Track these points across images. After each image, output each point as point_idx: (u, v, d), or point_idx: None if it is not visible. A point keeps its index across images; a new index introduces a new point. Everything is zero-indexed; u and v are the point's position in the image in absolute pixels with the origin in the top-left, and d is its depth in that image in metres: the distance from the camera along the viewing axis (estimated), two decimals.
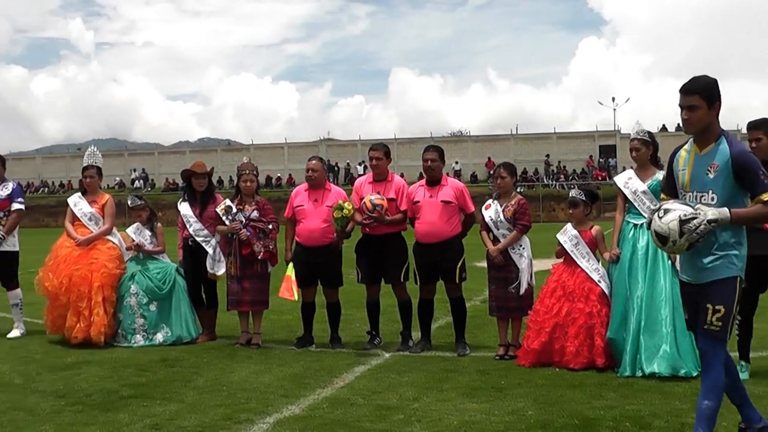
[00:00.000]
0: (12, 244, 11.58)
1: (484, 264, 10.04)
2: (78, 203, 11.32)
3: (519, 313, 9.59)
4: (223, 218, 10.43)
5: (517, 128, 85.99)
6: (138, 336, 10.62)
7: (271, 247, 10.39)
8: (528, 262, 9.54)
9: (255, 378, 8.54)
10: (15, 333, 11.44)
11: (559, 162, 73.42)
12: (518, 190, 10.06)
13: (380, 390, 7.93)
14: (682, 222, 5.35)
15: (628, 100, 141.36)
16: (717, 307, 5.49)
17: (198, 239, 10.81)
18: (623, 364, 8.45)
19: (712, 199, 5.52)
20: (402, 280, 10.09)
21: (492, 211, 9.66)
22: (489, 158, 72.80)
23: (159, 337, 10.63)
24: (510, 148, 74.97)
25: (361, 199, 10.00)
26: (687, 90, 5.57)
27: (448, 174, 10.23)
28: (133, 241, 11.05)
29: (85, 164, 11.48)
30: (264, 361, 9.43)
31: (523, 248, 9.55)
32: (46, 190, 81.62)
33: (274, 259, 10.52)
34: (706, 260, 5.56)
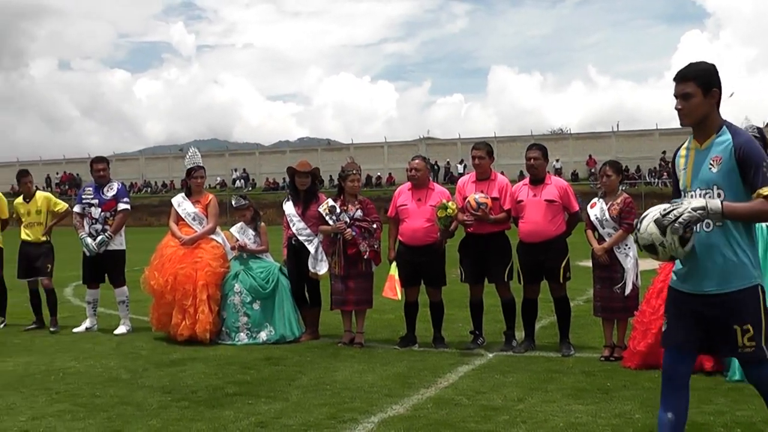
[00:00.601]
0: (119, 242, 11.86)
1: (589, 263, 9.89)
2: (182, 203, 11.49)
3: (624, 314, 9.41)
4: (327, 218, 10.44)
5: (618, 125, 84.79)
6: (242, 334, 10.72)
7: (375, 246, 10.39)
8: (634, 262, 9.35)
9: (359, 377, 8.53)
10: (122, 330, 11.64)
11: (661, 159, 72.08)
12: (621, 188, 9.86)
13: (484, 390, 7.85)
14: (660, 219, 4.80)
15: (732, 94, 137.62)
16: (745, 327, 4.85)
17: (300, 238, 10.85)
18: (732, 368, 8.19)
19: (718, 195, 4.90)
20: (506, 279, 10.00)
21: (597, 209, 9.50)
22: (590, 156, 71.82)
23: (263, 335, 10.70)
24: (611, 146, 73.79)
25: (465, 198, 9.92)
26: (680, 77, 5.02)
27: (549, 172, 10.06)
28: (237, 240, 11.15)
29: (189, 165, 11.64)
30: (367, 360, 9.42)
31: (629, 247, 9.36)
32: (149, 190, 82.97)
33: (378, 259, 10.51)
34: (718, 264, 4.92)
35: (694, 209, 4.72)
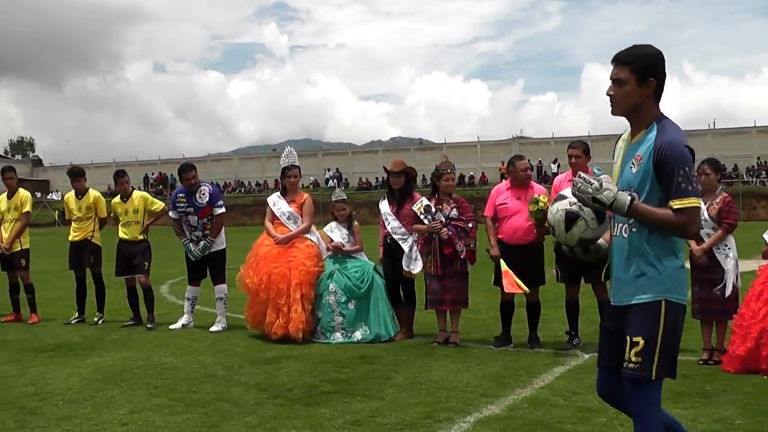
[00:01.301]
0: (220, 242, 12.06)
1: (687, 264, 9.66)
2: (277, 203, 11.57)
3: (724, 317, 9.17)
4: (422, 217, 10.39)
5: (714, 122, 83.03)
6: (337, 334, 10.73)
7: (471, 245, 10.30)
8: (734, 263, 9.11)
9: (454, 377, 8.46)
10: (217, 327, 11.76)
11: (758, 158, 70.39)
12: (719, 187, 9.61)
13: (581, 391, 7.72)
14: (576, 192, 4.45)
15: None
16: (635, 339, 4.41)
17: (395, 237, 10.82)
18: None
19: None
20: (603, 279, 9.81)
21: None
22: None
23: (357, 335, 10.70)
24: (707, 144, 72.19)
25: None
26: (615, 59, 4.53)
27: None
28: (332, 240, 11.17)
29: (284, 164, 11.71)
30: (462, 359, 9.35)
31: (729, 248, 9.13)
32: (243, 189, 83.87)
33: (474, 258, 10.42)
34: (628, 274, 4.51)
35: (595, 200, 4.37)
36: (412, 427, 6.64)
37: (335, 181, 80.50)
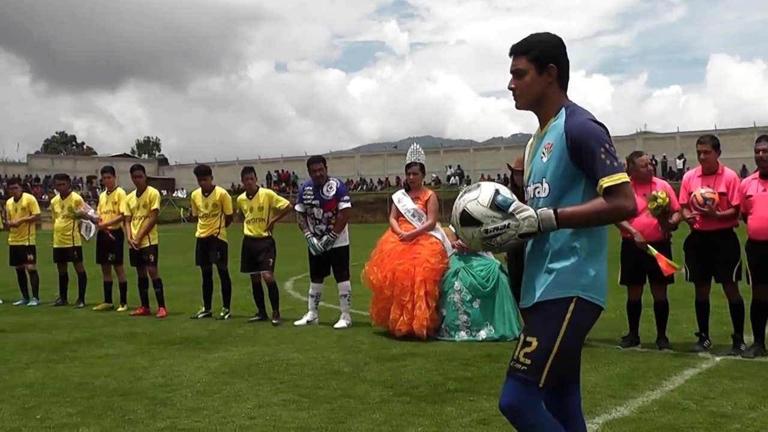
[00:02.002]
0: (343, 239, 12.11)
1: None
2: (401, 200, 11.58)
3: None
4: None
5: None
6: (462, 332, 10.68)
7: None
8: None
9: (582, 376, 8.30)
10: (342, 323, 11.83)
11: None
12: None
13: (713, 396, 7.50)
14: (481, 236, 3.98)
15: None
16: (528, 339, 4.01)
17: None
18: None
19: (545, 190, 4.11)
20: (734, 279, 9.55)
21: None
22: None
23: (482, 334, 10.62)
24: None
25: (690, 193, 9.56)
26: (512, 50, 4.25)
27: None
28: (457, 237, 11.12)
29: (408, 161, 11.72)
30: (589, 359, 9.17)
31: None
32: (365, 187, 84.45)
33: None
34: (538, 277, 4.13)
35: (522, 236, 3.91)
36: None
37: (457, 178, 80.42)
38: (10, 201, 16.25)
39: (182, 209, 75.80)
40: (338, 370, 8.88)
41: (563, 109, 4.14)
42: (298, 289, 16.23)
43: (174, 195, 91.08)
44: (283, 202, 13.07)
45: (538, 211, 3.93)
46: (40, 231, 17.24)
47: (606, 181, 3.88)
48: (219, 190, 13.47)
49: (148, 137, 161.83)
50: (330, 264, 12.22)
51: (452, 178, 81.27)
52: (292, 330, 11.71)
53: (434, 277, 10.87)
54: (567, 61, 4.22)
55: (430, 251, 11.05)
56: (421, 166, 11.72)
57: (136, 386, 8.28)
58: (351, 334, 11.26)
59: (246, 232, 12.87)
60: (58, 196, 15.83)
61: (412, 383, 8.13)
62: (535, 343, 3.95)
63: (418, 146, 12.00)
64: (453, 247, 11.19)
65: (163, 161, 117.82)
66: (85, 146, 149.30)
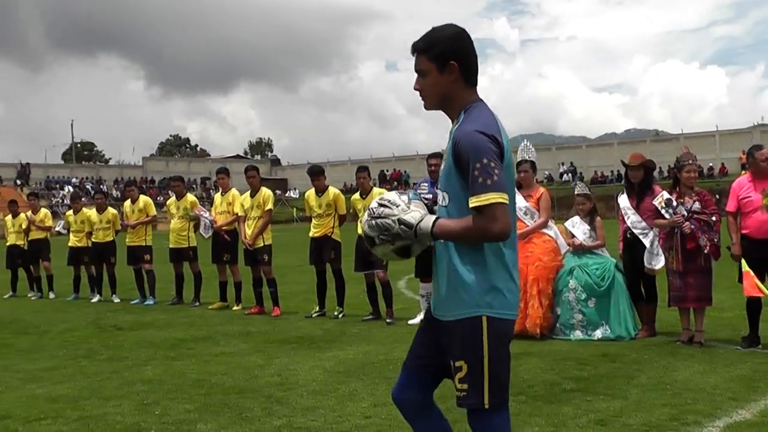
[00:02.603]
0: None
1: None
2: None
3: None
4: (663, 211, 10.05)
5: None
6: (577, 332, 10.52)
7: (716, 240, 9.85)
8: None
9: (700, 378, 8.12)
10: (417, 321, 11.75)
11: None
12: None
13: None
14: (369, 217, 4.01)
15: None
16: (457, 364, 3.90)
17: (635, 231, 10.52)
18: None
19: (445, 198, 3.99)
20: None
21: None
22: None
23: (598, 333, 10.45)
24: None
25: None
26: (413, 49, 4.02)
27: None
28: (572, 235, 10.98)
29: (518, 159, 11.62)
30: (708, 360, 8.97)
31: None
32: None
33: (718, 253, 9.95)
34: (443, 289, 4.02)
35: (400, 222, 3.90)
36: (659, 429, 6.41)
37: (569, 175, 79.58)
38: (127, 203, 16.64)
39: (295, 209, 76.60)
40: None
41: (462, 112, 3.94)
42: (411, 288, 16.23)
43: (287, 195, 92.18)
44: None
45: (427, 217, 3.90)
46: (156, 232, 17.62)
47: (473, 201, 3.70)
48: (332, 190, 13.54)
49: (261, 138, 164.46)
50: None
51: (565, 175, 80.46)
52: (406, 329, 11.69)
53: (547, 276, 10.75)
54: (471, 55, 3.98)
55: (543, 249, 10.93)
56: (532, 163, 11.59)
57: (252, 384, 8.38)
58: None
59: (360, 231, 12.90)
60: (173, 198, 16.16)
61: (528, 382, 8.04)
62: (464, 367, 3.86)
63: (528, 143, 11.91)
64: (568, 244, 11.03)
65: (276, 162, 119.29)
66: (198, 148, 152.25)
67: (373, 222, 3.97)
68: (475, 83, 4.01)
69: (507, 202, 3.71)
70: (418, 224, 3.88)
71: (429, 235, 3.88)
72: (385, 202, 3.99)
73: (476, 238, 3.79)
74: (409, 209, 3.94)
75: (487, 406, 3.85)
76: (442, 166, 4.02)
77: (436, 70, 3.93)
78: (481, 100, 3.99)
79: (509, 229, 3.76)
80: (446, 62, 3.90)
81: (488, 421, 3.91)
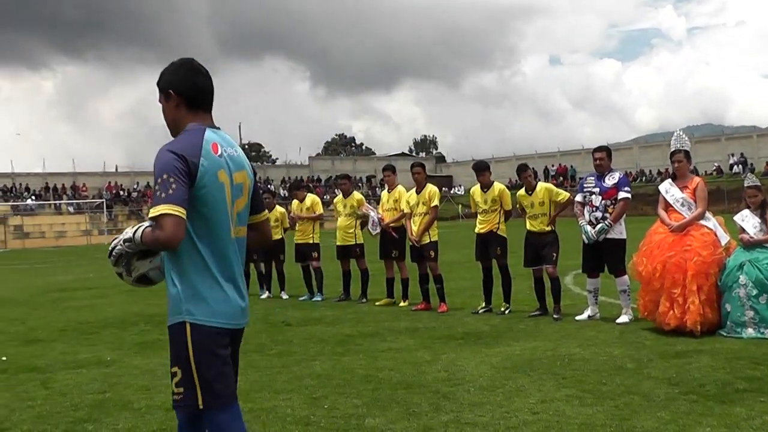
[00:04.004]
0: (619, 231, 11.84)
1: None
2: (669, 190, 11.28)
3: None
4: None
5: None
6: (749, 329, 10.13)
7: None
8: None
9: None
10: (624, 319, 11.59)
11: None
12: None
13: None
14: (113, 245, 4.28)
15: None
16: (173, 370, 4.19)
17: None
18: None
19: None
20: None
21: None
22: None
23: None
24: None
25: None
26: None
27: None
28: (743, 230, 10.62)
29: (672, 149, 11.44)
30: None
31: None
32: (644, 178, 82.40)
33: None
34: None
35: (124, 241, 4.19)
36: None
37: (740, 166, 77.06)
38: (295, 202, 16.94)
39: (460, 206, 76.68)
40: (621, 366, 8.70)
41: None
42: (579, 284, 16.03)
43: (452, 192, 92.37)
44: (564, 195, 12.94)
45: (140, 227, 4.17)
46: (324, 230, 17.87)
47: (150, 212, 4.00)
48: (498, 186, 13.50)
49: (425, 136, 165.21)
50: (603, 257, 11.95)
51: (735, 166, 77.94)
52: (574, 325, 11.58)
53: (706, 271, 10.46)
54: (188, 83, 4.32)
55: (702, 243, 10.63)
56: (686, 153, 11.37)
57: (420, 380, 8.44)
58: (634, 329, 10.99)
59: (528, 227, 12.86)
60: (340, 196, 16.38)
61: (699, 381, 7.85)
62: (178, 372, 4.12)
63: (681, 133, 11.66)
64: (741, 240, 10.65)
65: (441, 159, 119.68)
66: (363, 147, 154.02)
67: (112, 258, 4.26)
68: (201, 108, 4.37)
69: (178, 214, 3.96)
70: (134, 234, 4.14)
71: (141, 242, 4.13)
72: (115, 240, 4.30)
73: (153, 245, 4.07)
74: (129, 231, 4.22)
75: (201, 407, 4.13)
76: None
77: (163, 100, 4.37)
78: (202, 126, 4.28)
79: (176, 239, 3.97)
80: (167, 91, 4.34)
81: (216, 418, 4.16)
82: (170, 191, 3.96)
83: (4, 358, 10.78)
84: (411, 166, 14.39)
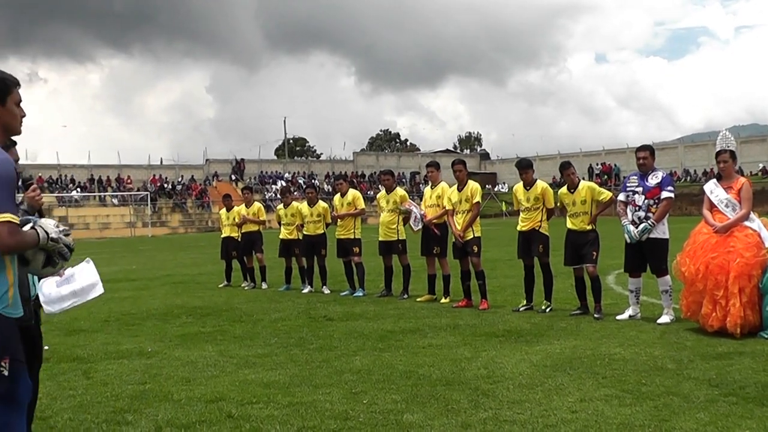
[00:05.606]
0: (662, 231, 11.77)
1: None
2: (713, 190, 11.22)
3: None
4: None
5: None
6: None
7: None
8: None
9: None
10: (665, 319, 11.51)
11: None
12: None
13: None
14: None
15: None
16: None
17: None
18: None
19: None
20: None
21: None
22: None
23: None
24: None
25: None
26: None
27: None
28: None
29: (718, 149, 11.38)
30: None
31: None
32: (689, 178, 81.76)
33: None
34: None
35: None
36: None
37: None
38: (337, 196, 17.02)
39: (504, 203, 76.52)
40: (662, 366, 8.66)
41: None
42: (620, 283, 15.95)
43: (495, 189, 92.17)
44: (606, 195, 12.88)
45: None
46: (366, 225, 17.91)
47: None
48: (540, 184, 13.48)
49: (470, 133, 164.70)
50: (645, 257, 11.89)
51: None
52: (615, 324, 11.53)
53: (749, 272, 10.35)
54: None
55: (745, 244, 10.54)
56: (732, 153, 11.26)
57: (460, 376, 8.45)
58: (675, 330, 10.94)
59: (569, 225, 12.82)
60: (383, 191, 16.39)
61: (740, 383, 7.79)
62: None
63: (727, 133, 11.54)
64: None
65: (485, 156, 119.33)
66: (408, 143, 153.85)
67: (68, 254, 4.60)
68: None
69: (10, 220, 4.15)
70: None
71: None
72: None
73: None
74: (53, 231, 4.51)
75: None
76: None
77: None
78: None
79: (8, 245, 4.17)
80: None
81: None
82: (6, 203, 4.16)
83: (47, 347, 10.92)
84: (452, 164, 14.40)
